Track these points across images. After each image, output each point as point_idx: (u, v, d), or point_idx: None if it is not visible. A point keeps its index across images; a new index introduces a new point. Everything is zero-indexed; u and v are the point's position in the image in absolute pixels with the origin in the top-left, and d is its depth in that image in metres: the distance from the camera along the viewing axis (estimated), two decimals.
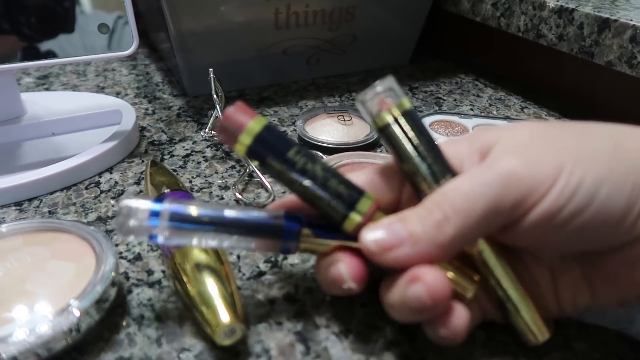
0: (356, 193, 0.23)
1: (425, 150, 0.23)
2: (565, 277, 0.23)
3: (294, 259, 0.30)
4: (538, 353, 0.24)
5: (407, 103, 0.23)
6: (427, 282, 0.20)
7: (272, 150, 0.22)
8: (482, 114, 0.49)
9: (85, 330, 0.23)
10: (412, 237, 0.21)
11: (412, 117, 0.23)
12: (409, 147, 0.23)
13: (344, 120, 0.44)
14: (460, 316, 0.22)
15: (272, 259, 0.30)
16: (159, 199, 0.22)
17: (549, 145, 0.21)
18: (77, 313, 0.23)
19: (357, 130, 0.43)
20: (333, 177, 0.23)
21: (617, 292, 0.23)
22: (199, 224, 0.22)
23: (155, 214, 0.22)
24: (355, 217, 0.23)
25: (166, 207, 0.22)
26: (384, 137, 0.23)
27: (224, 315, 0.23)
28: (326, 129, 0.43)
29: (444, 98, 0.53)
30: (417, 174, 0.23)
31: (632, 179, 0.20)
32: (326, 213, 0.23)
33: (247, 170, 0.38)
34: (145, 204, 0.22)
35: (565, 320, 0.26)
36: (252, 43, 0.51)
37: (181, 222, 0.22)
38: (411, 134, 0.23)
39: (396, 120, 0.23)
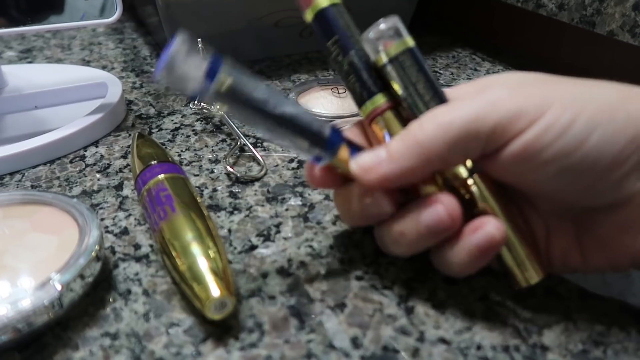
0: (375, 87, 0.24)
1: (424, 88, 0.23)
2: (559, 236, 0.23)
3: (287, 232, 0.29)
4: (539, 325, 0.23)
5: (409, 41, 0.23)
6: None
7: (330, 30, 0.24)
8: None
9: (68, 305, 0.22)
10: (391, 155, 0.22)
11: (413, 56, 0.23)
12: (407, 86, 0.23)
13: (338, 93, 0.42)
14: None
15: (265, 232, 0.29)
16: (216, 60, 0.20)
17: (546, 85, 0.21)
18: (58, 287, 0.22)
19: (351, 102, 0.41)
20: (363, 69, 0.24)
21: (607, 257, 0.22)
22: (251, 101, 0.21)
23: (213, 72, 0.20)
24: (369, 106, 0.24)
25: (227, 68, 0.20)
26: (385, 74, 0.23)
27: (214, 289, 0.22)
28: (320, 102, 0.41)
29: (441, 72, 0.52)
30: (415, 112, 0.23)
31: (632, 132, 0.19)
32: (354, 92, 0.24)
33: (239, 143, 0.37)
34: (202, 57, 0.20)
35: (566, 293, 0.25)
36: (243, 15, 0.49)
37: (234, 92, 0.20)
38: (411, 71, 0.23)
39: (396, 58, 0.23)
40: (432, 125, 0.21)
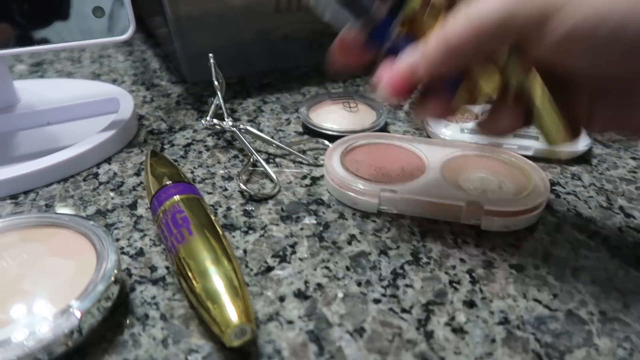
0: None
1: None
2: (600, 114, 0.25)
3: (302, 252, 0.29)
4: (560, 350, 0.23)
5: None
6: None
7: None
8: None
9: (87, 331, 0.22)
10: (424, 51, 0.24)
11: None
12: None
13: (350, 107, 0.42)
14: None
15: (280, 253, 0.28)
16: None
17: None
18: (78, 314, 0.21)
19: (363, 117, 0.41)
20: None
21: None
22: None
23: None
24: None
25: None
26: None
27: (233, 316, 0.22)
28: (331, 116, 0.41)
29: None
30: None
31: None
32: None
33: (251, 159, 0.37)
34: None
35: (587, 316, 0.25)
36: (252, 27, 0.49)
37: None
38: None
39: None
40: (459, 23, 0.22)
